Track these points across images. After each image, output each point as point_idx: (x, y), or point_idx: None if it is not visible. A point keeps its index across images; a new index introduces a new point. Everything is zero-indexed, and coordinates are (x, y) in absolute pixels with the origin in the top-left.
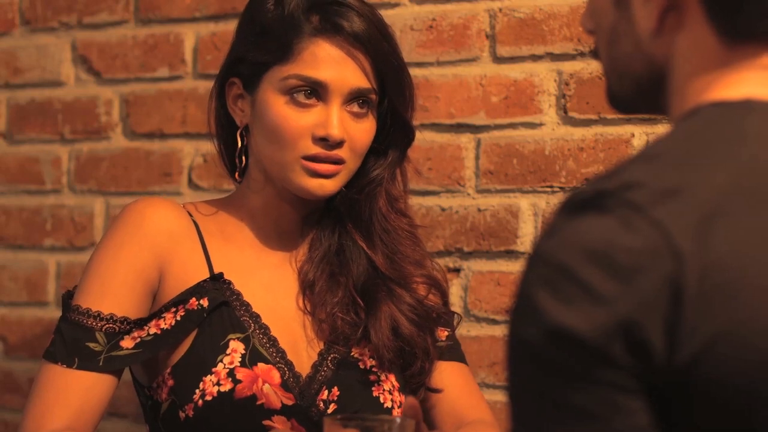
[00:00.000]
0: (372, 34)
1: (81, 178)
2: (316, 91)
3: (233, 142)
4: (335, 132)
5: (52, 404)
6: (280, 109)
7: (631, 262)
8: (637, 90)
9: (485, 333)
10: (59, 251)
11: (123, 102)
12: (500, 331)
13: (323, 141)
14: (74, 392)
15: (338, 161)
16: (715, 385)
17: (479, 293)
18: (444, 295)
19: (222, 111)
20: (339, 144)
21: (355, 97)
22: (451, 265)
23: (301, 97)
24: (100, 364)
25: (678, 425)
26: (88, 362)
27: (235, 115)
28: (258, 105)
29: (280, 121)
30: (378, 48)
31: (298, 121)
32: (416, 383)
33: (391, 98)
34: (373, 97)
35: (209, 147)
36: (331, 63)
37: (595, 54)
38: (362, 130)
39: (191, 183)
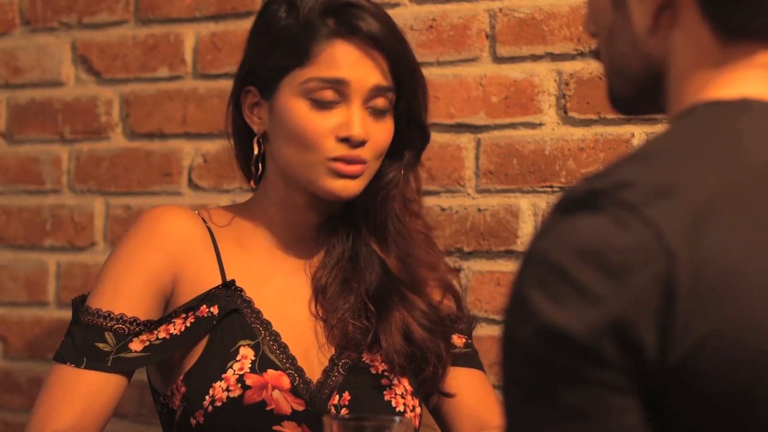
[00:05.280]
0: (387, 34)
1: (81, 178)
2: (336, 90)
3: (250, 151)
4: (358, 131)
5: (58, 404)
6: (301, 112)
7: (624, 261)
8: (635, 90)
9: (485, 333)
10: (59, 251)
11: (123, 102)
12: (500, 331)
13: (346, 141)
14: (81, 393)
15: (362, 161)
16: (707, 385)
17: (479, 293)
18: (458, 298)
19: (239, 121)
20: (361, 143)
21: (375, 95)
22: (451, 265)
23: (321, 98)
24: (108, 364)
25: (670, 424)
26: (96, 362)
27: (253, 124)
28: (277, 110)
29: (302, 124)
30: (394, 48)
31: (321, 123)
32: (429, 388)
33: (407, 99)
34: (392, 96)
35: (209, 147)
36: (350, 62)
37: (597, 56)
38: (382, 130)
39: (191, 183)
